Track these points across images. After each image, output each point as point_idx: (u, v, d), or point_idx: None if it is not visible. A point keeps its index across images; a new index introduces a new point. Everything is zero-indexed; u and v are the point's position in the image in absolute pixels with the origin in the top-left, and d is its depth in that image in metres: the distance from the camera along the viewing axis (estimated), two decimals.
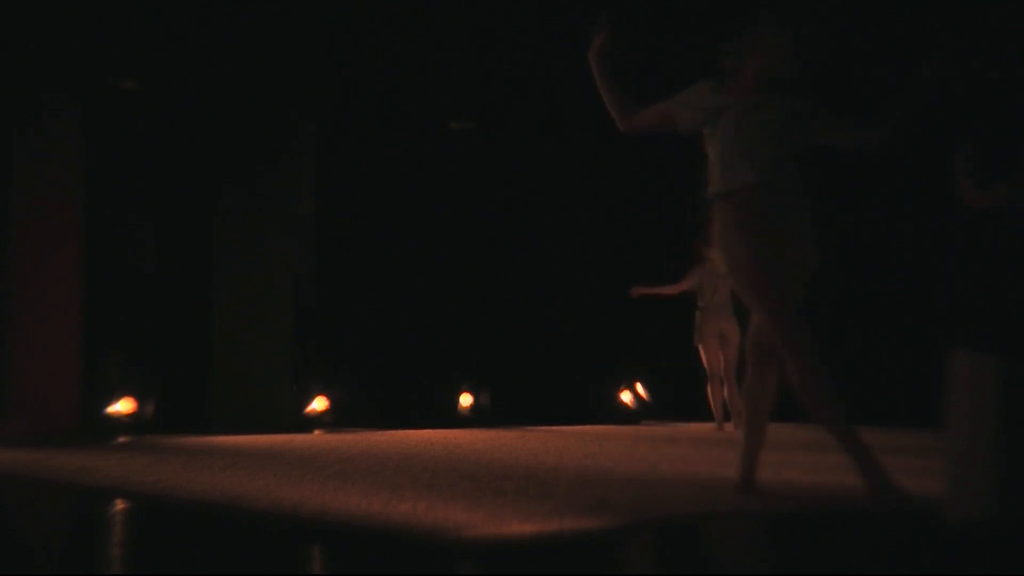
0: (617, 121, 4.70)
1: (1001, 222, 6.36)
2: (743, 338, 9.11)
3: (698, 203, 11.16)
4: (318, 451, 6.90)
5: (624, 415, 10.98)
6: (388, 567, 3.29)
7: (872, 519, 4.09)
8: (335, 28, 9.60)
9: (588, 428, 9.83)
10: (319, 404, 9.88)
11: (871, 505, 4.19)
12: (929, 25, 8.12)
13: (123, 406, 8.91)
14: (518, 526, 3.71)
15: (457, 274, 10.87)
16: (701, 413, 10.16)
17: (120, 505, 4.62)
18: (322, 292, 10.23)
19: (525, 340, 11.08)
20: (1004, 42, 8.10)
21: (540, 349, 11.12)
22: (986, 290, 8.01)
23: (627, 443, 7.78)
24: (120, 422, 8.83)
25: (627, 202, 11.55)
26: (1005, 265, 7.86)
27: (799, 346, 4.29)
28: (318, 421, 9.79)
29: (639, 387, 11.29)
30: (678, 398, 11.15)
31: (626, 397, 11.19)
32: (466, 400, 10.72)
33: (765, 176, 4.34)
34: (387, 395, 10.39)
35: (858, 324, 9.88)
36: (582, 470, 5.65)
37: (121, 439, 8.20)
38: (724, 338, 9.54)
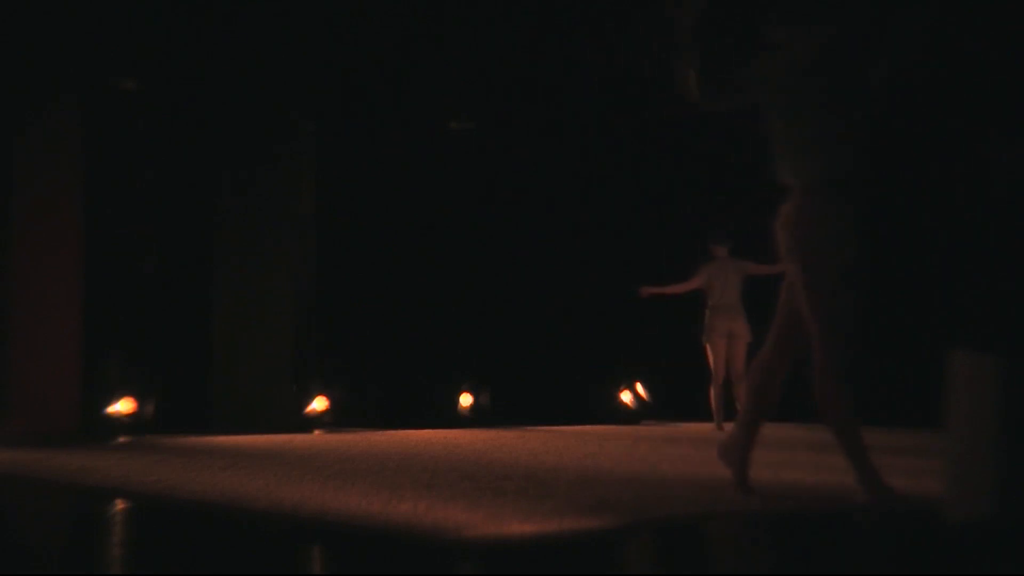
0: (694, 90, 4.41)
1: (1001, 221, 6.35)
2: (754, 336, 9.14)
3: (695, 203, 11.23)
4: (318, 451, 6.90)
5: (624, 415, 10.98)
6: (388, 567, 3.29)
7: (870, 521, 4.09)
8: (335, 28, 9.59)
9: (588, 428, 9.83)
10: (319, 404, 9.87)
11: (868, 510, 4.18)
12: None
13: (123, 406, 8.90)
14: (518, 526, 3.71)
15: (457, 274, 10.86)
16: (701, 413, 10.16)
17: (120, 505, 4.62)
18: (322, 292, 10.22)
19: (525, 340, 11.07)
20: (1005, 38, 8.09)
21: (540, 349, 11.11)
22: (986, 290, 8.00)
23: (627, 443, 7.78)
24: (120, 422, 8.82)
25: (627, 202, 11.55)
26: (1005, 265, 7.85)
27: (833, 339, 4.30)
28: (318, 421, 9.78)
29: (639, 387, 11.29)
30: (678, 398, 11.15)
31: (626, 397, 11.19)
32: (466, 400, 10.71)
33: (845, 169, 4.34)
34: (387, 395, 10.38)
35: (858, 324, 9.87)
36: (582, 470, 5.65)
37: (121, 439, 8.19)
38: (733, 337, 9.54)
